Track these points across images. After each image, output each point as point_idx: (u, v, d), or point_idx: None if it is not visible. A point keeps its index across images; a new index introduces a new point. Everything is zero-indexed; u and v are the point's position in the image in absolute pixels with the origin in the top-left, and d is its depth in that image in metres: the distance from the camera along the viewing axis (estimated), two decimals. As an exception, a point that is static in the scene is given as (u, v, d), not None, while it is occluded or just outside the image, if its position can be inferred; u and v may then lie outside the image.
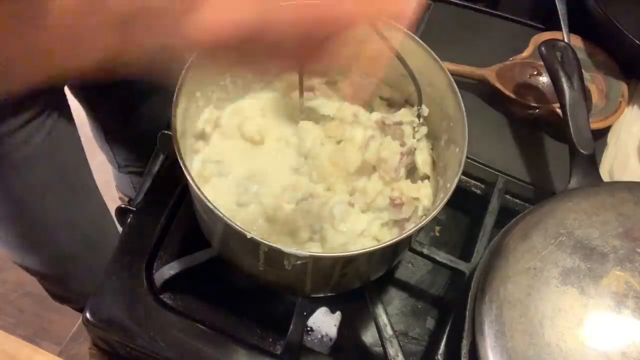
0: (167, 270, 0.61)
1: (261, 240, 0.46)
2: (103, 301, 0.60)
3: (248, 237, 0.46)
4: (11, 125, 0.67)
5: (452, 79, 0.56)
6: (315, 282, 0.56)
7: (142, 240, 0.64)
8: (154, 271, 0.62)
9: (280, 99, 0.66)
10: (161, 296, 0.61)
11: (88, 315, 0.59)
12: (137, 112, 0.95)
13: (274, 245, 0.46)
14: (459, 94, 0.55)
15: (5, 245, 0.85)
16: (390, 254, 0.58)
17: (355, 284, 0.59)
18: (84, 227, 0.86)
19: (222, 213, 0.47)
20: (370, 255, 0.50)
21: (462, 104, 0.54)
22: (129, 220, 0.65)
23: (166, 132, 0.67)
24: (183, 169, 0.48)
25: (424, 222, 0.49)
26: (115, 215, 0.67)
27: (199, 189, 0.47)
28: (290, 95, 0.66)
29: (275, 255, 0.48)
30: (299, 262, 0.48)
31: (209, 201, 0.47)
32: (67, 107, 0.78)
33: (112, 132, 1.06)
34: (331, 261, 0.51)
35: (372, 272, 0.60)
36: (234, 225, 0.46)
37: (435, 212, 0.49)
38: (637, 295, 0.49)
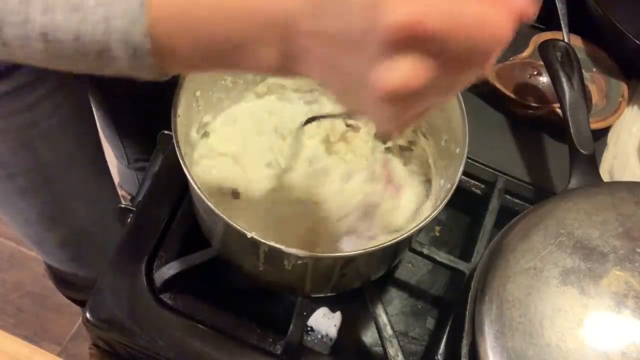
0: (167, 270, 0.61)
1: (261, 240, 0.46)
2: (103, 301, 0.60)
3: (248, 236, 0.46)
4: (39, 92, 0.67)
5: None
6: (315, 282, 0.56)
7: (142, 240, 0.63)
8: (154, 271, 0.62)
9: (281, 99, 0.66)
10: (161, 296, 0.61)
11: (88, 315, 0.59)
12: (150, 98, 0.95)
13: (274, 245, 0.46)
14: (459, 94, 0.55)
15: (24, 218, 0.84)
16: (391, 254, 0.58)
17: (355, 284, 0.59)
18: (101, 203, 0.87)
19: (222, 213, 0.47)
20: (370, 255, 0.50)
21: (463, 104, 0.54)
22: (129, 220, 0.65)
23: (166, 132, 0.67)
24: (184, 169, 0.48)
25: (425, 222, 0.49)
26: (116, 215, 0.67)
27: (199, 188, 0.47)
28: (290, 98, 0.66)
29: (275, 255, 0.48)
30: (299, 262, 0.48)
31: (209, 201, 0.47)
32: (87, 80, 0.79)
33: (122, 122, 1.05)
34: (331, 261, 0.51)
35: (372, 272, 0.60)
36: (234, 225, 0.46)
37: (435, 212, 0.49)
38: (637, 295, 0.49)
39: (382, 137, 0.39)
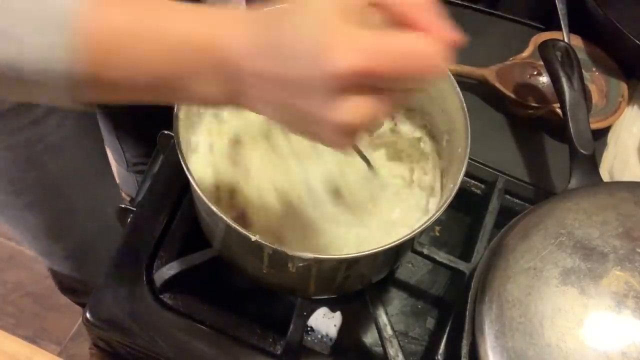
0: (167, 270, 0.61)
1: (266, 243, 0.46)
2: (103, 301, 0.60)
3: (252, 239, 0.45)
4: (44, 108, 0.67)
5: (454, 79, 0.55)
6: (319, 285, 0.56)
7: (142, 240, 0.63)
8: (154, 271, 0.62)
9: None
10: (161, 296, 0.61)
11: (88, 315, 0.59)
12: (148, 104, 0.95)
13: (278, 247, 0.46)
14: (460, 94, 0.55)
15: (31, 233, 0.84)
16: (393, 256, 0.58)
17: (357, 286, 0.59)
18: (106, 212, 0.87)
19: (225, 216, 0.46)
20: (374, 257, 0.50)
21: (464, 104, 0.54)
22: (129, 220, 0.65)
23: (166, 131, 0.67)
24: (186, 172, 0.48)
25: (428, 222, 0.49)
26: (116, 215, 0.67)
27: (202, 192, 0.47)
28: None
29: (279, 258, 0.48)
30: (302, 264, 0.48)
31: (212, 204, 0.47)
32: None
33: (122, 127, 1.05)
34: (335, 263, 0.51)
35: (375, 274, 0.60)
36: (238, 228, 0.46)
37: (439, 212, 0.49)
38: (637, 295, 0.49)
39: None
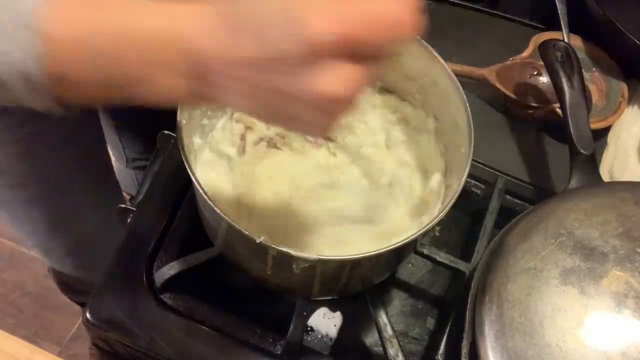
0: (167, 270, 0.61)
1: (270, 244, 0.46)
2: (103, 301, 0.60)
3: (257, 241, 0.45)
4: None
5: (456, 79, 0.55)
6: (322, 286, 0.56)
7: (142, 240, 0.63)
8: (154, 271, 0.62)
9: None
10: (161, 296, 0.61)
11: (88, 315, 0.59)
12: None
13: (283, 249, 0.46)
14: (463, 94, 0.54)
15: (32, 228, 0.84)
16: (397, 257, 0.58)
17: (359, 287, 0.59)
18: (106, 209, 0.87)
19: (229, 218, 0.46)
20: (377, 258, 0.50)
21: (467, 104, 0.54)
22: (129, 220, 0.65)
23: (166, 132, 0.67)
24: (189, 173, 0.48)
25: (433, 222, 0.48)
26: (116, 215, 0.67)
27: (206, 194, 0.47)
28: None
29: (283, 259, 0.48)
30: (307, 264, 0.48)
31: (216, 207, 0.46)
32: None
33: (123, 123, 1.05)
34: (339, 264, 0.51)
35: (378, 275, 0.60)
36: (243, 230, 0.46)
37: (443, 213, 0.49)
38: (637, 295, 0.49)
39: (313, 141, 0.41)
